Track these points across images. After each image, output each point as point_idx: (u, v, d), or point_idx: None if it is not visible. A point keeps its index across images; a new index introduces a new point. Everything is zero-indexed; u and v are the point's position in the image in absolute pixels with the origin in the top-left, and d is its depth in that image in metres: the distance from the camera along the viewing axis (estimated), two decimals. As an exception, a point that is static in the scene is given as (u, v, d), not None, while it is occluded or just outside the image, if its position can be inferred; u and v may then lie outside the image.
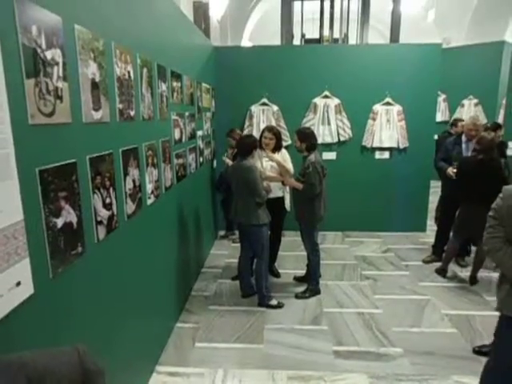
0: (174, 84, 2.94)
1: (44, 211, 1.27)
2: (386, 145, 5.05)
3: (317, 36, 7.72)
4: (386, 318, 3.10)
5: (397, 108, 4.94)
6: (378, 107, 4.96)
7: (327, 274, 3.88)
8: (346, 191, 5.10)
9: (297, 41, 8.28)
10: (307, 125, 4.93)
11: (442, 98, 7.61)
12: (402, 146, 5.04)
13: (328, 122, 5.00)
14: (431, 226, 5.09)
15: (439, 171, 4.20)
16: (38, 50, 1.24)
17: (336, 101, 4.95)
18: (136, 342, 2.16)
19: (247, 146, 3.11)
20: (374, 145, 5.06)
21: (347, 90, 4.91)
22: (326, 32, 7.53)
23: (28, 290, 1.19)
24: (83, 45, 1.53)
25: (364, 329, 2.95)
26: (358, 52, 4.95)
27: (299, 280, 3.72)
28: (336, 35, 7.64)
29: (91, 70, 1.61)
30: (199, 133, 3.89)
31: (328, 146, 5.07)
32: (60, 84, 1.36)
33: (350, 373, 2.46)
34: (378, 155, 5.13)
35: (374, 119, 5.00)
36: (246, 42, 10.07)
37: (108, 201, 1.76)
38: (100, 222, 1.68)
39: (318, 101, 4.96)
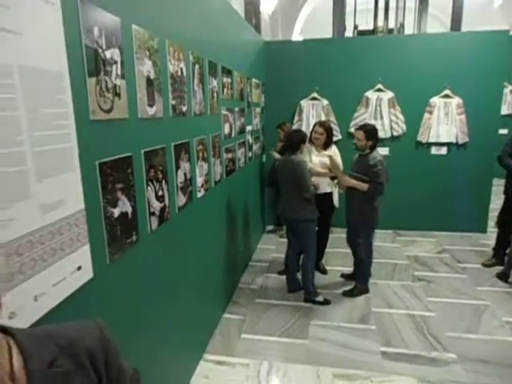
0: (225, 80, 3.00)
1: (103, 201, 1.36)
2: (443, 140, 4.78)
3: (370, 27, 7.47)
4: (439, 321, 2.96)
5: (456, 101, 4.65)
6: (435, 100, 4.70)
7: (377, 272, 3.76)
8: (399, 188, 4.90)
9: (349, 33, 8.06)
10: (358, 119, 4.80)
11: (508, 89, 7.04)
12: (461, 142, 4.74)
13: (381, 116, 4.83)
14: (493, 227, 4.76)
15: (506, 168, 3.80)
16: (99, 50, 1.32)
17: (390, 94, 4.76)
18: (186, 329, 2.25)
19: (295, 141, 3.09)
20: (430, 140, 4.81)
21: (402, 82, 4.71)
22: (381, 22, 7.25)
23: (88, 274, 1.28)
24: (139, 44, 1.61)
25: (414, 331, 2.83)
26: (414, 42, 4.71)
27: (347, 278, 3.66)
28: (391, 25, 7.34)
29: (146, 68, 1.68)
30: (248, 128, 3.93)
31: (380, 142, 4.86)
32: (118, 82, 1.44)
33: (399, 375, 2.38)
34: (434, 151, 4.87)
35: (430, 113, 4.74)
36: (296, 36, 9.97)
37: (160, 193, 1.84)
38: (153, 213, 1.76)
39: (371, 94, 4.80)
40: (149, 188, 1.72)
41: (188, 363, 2.39)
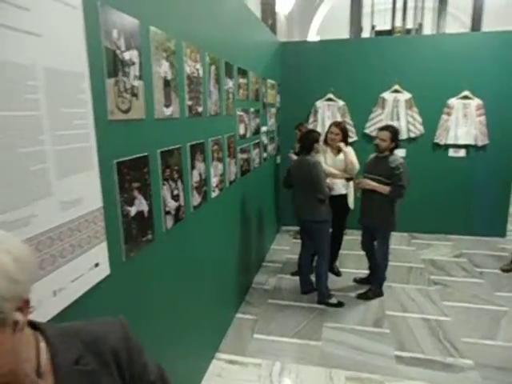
0: (240, 80, 3.01)
1: (120, 200, 1.38)
2: (461, 142, 4.69)
3: (388, 27, 7.39)
4: (455, 326, 2.90)
5: (476, 102, 4.56)
6: (453, 101, 4.62)
7: (391, 275, 3.72)
8: (415, 190, 4.81)
9: (366, 33, 7.99)
10: (375, 120, 4.76)
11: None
12: (480, 144, 4.65)
13: (397, 117, 4.77)
14: (512, 231, 4.65)
15: None
16: (118, 52, 1.35)
17: (407, 95, 4.70)
18: (199, 328, 2.27)
19: (309, 141, 3.09)
20: (448, 142, 4.73)
21: (419, 83, 4.64)
22: (399, 23, 7.17)
23: (105, 271, 1.31)
24: (157, 45, 1.64)
25: (430, 336, 2.79)
26: (433, 43, 4.65)
27: (360, 282, 3.61)
28: (409, 26, 7.24)
29: (163, 69, 1.71)
30: (263, 128, 3.94)
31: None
32: (136, 83, 1.47)
33: (413, 380, 2.35)
34: (452, 153, 4.79)
35: (448, 114, 4.66)
36: (312, 37, 9.93)
37: (176, 192, 1.87)
38: (168, 212, 1.79)
39: (387, 95, 4.75)
40: (164, 187, 1.75)
41: (201, 362, 2.41)
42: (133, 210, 1.47)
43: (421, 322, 2.98)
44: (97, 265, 1.26)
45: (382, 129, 3.13)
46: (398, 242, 4.71)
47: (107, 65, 1.28)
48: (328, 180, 3.20)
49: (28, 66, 0.95)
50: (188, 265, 2.08)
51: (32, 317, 1.00)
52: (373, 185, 3.13)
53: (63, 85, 1.08)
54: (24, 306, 0.59)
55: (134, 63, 1.45)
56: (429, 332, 2.84)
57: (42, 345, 0.65)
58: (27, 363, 0.62)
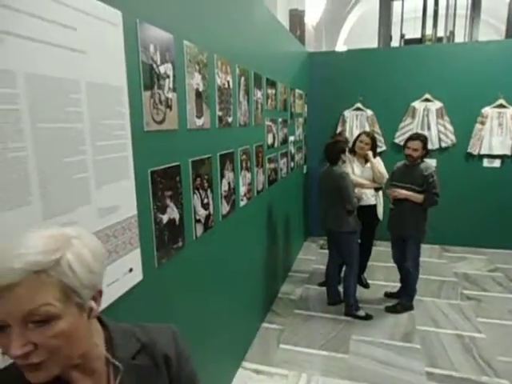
0: (269, 91, 3.05)
1: (153, 208, 1.43)
2: (496, 152, 4.54)
3: (418, 36, 7.27)
4: (490, 344, 2.78)
5: (511, 111, 4.41)
6: (488, 110, 4.48)
7: (422, 289, 3.61)
8: (447, 201, 4.68)
9: (395, 42, 7.90)
10: (404, 130, 4.69)
11: None
12: (516, 154, 4.48)
13: (428, 126, 4.67)
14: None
15: None
16: (154, 66, 1.41)
17: (438, 104, 4.61)
18: (225, 336, 2.29)
19: (335, 152, 3.06)
20: (482, 152, 4.58)
21: (451, 92, 4.54)
22: (429, 31, 7.05)
23: (138, 277, 1.35)
24: (190, 58, 1.69)
25: (463, 353, 2.68)
26: (465, 50, 4.54)
27: (390, 296, 3.51)
28: (440, 33, 7.11)
29: (196, 81, 1.76)
30: (291, 138, 3.95)
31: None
32: (170, 95, 1.52)
33: (445, 398, 2.27)
34: (486, 163, 4.63)
35: (482, 123, 4.53)
36: (340, 47, 9.92)
37: (206, 201, 1.91)
38: (198, 221, 1.82)
39: (418, 104, 4.67)
40: (195, 196, 1.79)
41: (227, 370, 2.41)
42: (165, 218, 1.52)
43: (454, 338, 2.87)
44: (131, 270, 1.30)
45: (412, 138, 3.05)
46: (428, 254, 4.57)
47: (144, 78, 1.34)
48: (356, 190, 3.16)
49: (73, 80, 1.01)
50: (216, 273, 2.11)
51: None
52: (406, 194, 3.07)
53: (104, 98, 1.14)
54: (97, 295, 0.66)
55: (168, 76, 1.51)
56: (462, 349, 2.73)
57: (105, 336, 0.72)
58: (99, 348, 0.69)
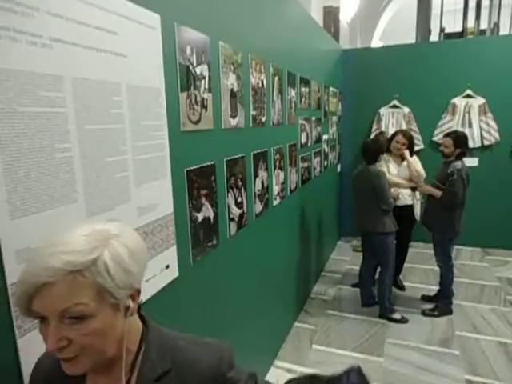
0: (303, 89, 3.03)
1: (189, 206, 1.46)
2: (545, 150, 4.28)
3: (459, 29, 6.97)
4: (536, 353, 2.63)
5: (562, 106, 4.15)
6: (535, 106, 4.23)
7: (461, 293, 3.48)
8: (489, 202, 4.49)
9: (435, 36, 7.62)
10: (444, 127, 4.51)
11: None
12: None
13: (469, 124, 4.47)
14: None
15: None
16: (190, 67, 1.44)
17: (480, 100, 4.40)
18: (258, 334, 2.30)
19: (373, 152, 2.99)
20: (529, 149, 4.34)
21: (495, 87, 4.32)
22: (471, 23, 6.73)
23: (174, 273, 1.38)
24: (225, 59, 1.71)
25: (507, 362, 2.55)
26: (511, 43, 4.31)
27: (427, 299, 3.39)
28: (483, 26, 6.77)
29: (230, 81, 1.78)
30: (325, 137, 3.91)
31: (468, 151, 4.53)
32: (206, 95, 1.55)
33: (486, 408, 2.17)
34: (533, 162, 4.38)
35: (529, 120, 4.28)
36: (376, 43, 9.68)
37: (239, 200, 1.92)
38: (232, 219, 1.85)
39: (458, 101, 4.48)
40: (229, 195, 1.81)
41: (259, 367, 2.43)
42: (200, 216, 1.55)
43: (496, 345, 2.74)
44: (167, 267, 1.34)
45: (445, 135, 3.07)
46: (469, 257, 4.39)
47: (181, 80, 1.37)
48: (393, 190, 3.09)
49: (115, 83, 1.05)
50: (249, 271, 2.13)
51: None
52: (428, 189, 3.10)
53: (143, 99, 1.17)
54: (136, 294, 0.66)
55: (204, 77, 1.54)
56: (505, 357, 2.60)
57: (143, 344, 0.70)
58: (130, 345, 0.68)
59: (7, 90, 0.77)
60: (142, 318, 0.74)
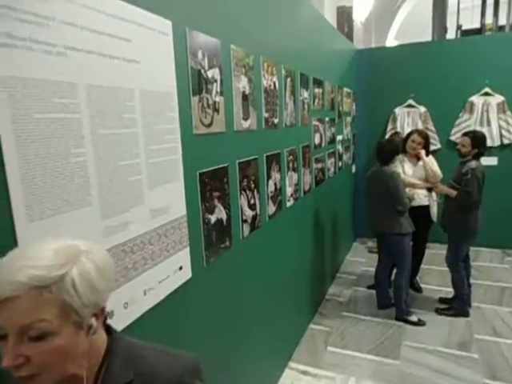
0: (316, 90, 3.02)
1: (201, 208, 1.48)
2: None
3: (477, 25, 6.83)
4: (559, 357, 2.56)
5: None
6: (557, 103, 4.11)
7: (480, 295, 3.40)
8: (509, 202, 4.38)
9: (451, 34, 7.48)
10: (461, 126, 4.42)
11: None
12: None
13: (488, 122, 4.38)
14: None
15: None
16: (202, 71, 1.45)
17: (499, 98, 4.30)
18: (272, 335, 2.30)
19: (388, 152, 2.96)
20: (551, 148, 4.21)
21: (515, 84, 4.22)
22: (489, 19, 6.59)
23: (187, 275, 1.40)
24: (237, 62, 1.73)
25: (528, 366, 2.49)
26: (531, 39, 4.20)
27: (445, 302, 3.31)
28: (502, 22, 6.62)
29: (242, 84, 1.79)
30: (339, 137, 3.89)
31: (487, 150, 4.42)
32: (217, 98, 1.57)
33: (507, 413, 2.12)
34: (555, 160, 4.26)
35: (550, 117, 4.16)
36: (391, 42, 9.57)
37: (252, 202, 1.93)
38: (245, 221, 1.86)
39: (476, 99, 4.39)
40: (242, 197, 1.82)
41: (274, 369, 2.43)
42: (213, 218, 1.56)
43: (517, 349, 2.67)
44: (181, 268, 1.36)
45: (463, 134, 3.04)
46: (488, 258, 4.29)
47: (193, 84, 1.39)
48: (408, 190, 3.04)
49: (128, 89, 1.08)
50: (263, 272, 2.13)
51: (126, 312, 1.11)
52: (443, 189, 3.08)
53: (155, 104, 1.20)
54: (99, 313, 0.65)
55: (216, 80, 1.55)
56: (527, 361, 2.54)
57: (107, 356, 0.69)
58: (94, 359, 0.66)
59: (24, 97, 0.80)
60: (107, 328, 0.72)
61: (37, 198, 0.83)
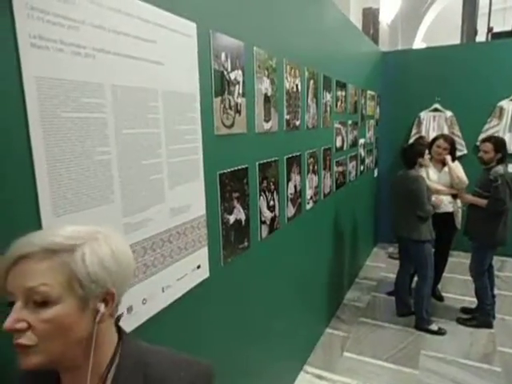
0: (339, 93, 3.00)
1: (221, 208, 1.49)
2: None
3: (509, 28, 6.62)
4: None
5: None
6: None
7: (505, 307, 3.29)
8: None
9: (481, 37, 7.28)
10: (489, 132, 4.29)
11: None
12: None
13: (518, 128, 4.23)
14: None
15: None
16: (225, 73, 1.47)
17: (530, 103, 4.15)
18: (288, 338, 2.30)
19: (411, 155, 2.91)
20: None
21: (548, 89, 4.06)
22: (523, 22, 6.37)
23: (205, 274, 1.42)
24: (260, 64, 1.74)
25: (554, 382, 2.39)
26: None
27: (468, 312, 3.23)
28: (536, 24, 6.39)
29: (264, 86, 1.80)
30: (361, 141, 3.84)
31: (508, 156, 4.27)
32: (239, 100, 1.58)
33: (530, 430, 2.04)
34: None
35: None
36: (418, 44, 9.39)
37: (272, 203, 1.94)
38: (264, 222, 1.86)
39: (506, 104, 4.25)
40: (261, 198, 1.83)
41: (289, 372, 2.42)
42: (232, 219, 1.58)
43: (543, 364, 2.57)
44: (199, 267, 1.37)
45: (483, 141, 2.95)
46: (515, 269, 4.14)
47: (215, 85, 1.41)
48: (434, 198, 2.97)
49: (152, 90, 1.10)
50: (281, 274, 2.13)
51: (145, 308, 1.14)
52: (470, 198, 2.97)
53: (178, 105, 1.22)
54: (109, 298, 0.64)
55: (238, 82, 1.57)
56: (553, 377, 2.44)
57: (116, 358, 0.68)
58: (101, 356, 0.66)
59: (53, 97, 0.83)
60: (119, 330, 0.71)
61: (62, 193, 0.86)
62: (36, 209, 0.82)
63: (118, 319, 0.72)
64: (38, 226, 0.82)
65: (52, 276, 0.58)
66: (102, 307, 0.62)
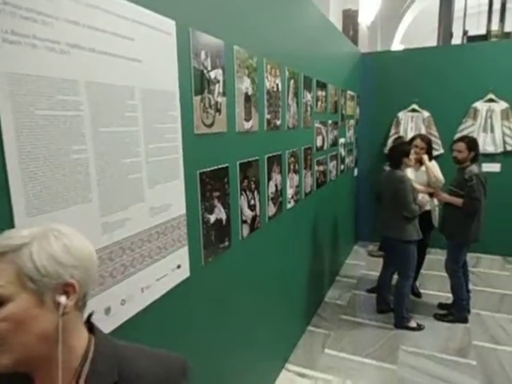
0: (319, 93, 3.03)
1: (201, 208, 1.49)
2: None
3: (483, 31, 6.82)
4: (558, 366, 2.55)
5: None
6: (561, 110, 4.10)
7: (479, 302, 3.39)
8: (511, 208, 4.37)
9: (457, 39, 7.48)
10: (464, 132, 4.41)
11: None
12: None
13: (491, 128, 4.37)
14: None
15: None
16: (205, 71, 1.46)
17: (503, 105, 4.29)
18: (269, 336, 2.30)
19: (397, 155, 2.94)
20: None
21: (519, 91, 4.21)
22: (496, 26, 6.58)
23: (185, 273, 1.41)
24: (240, 63, 1.73)
25: (526, 373, 2.48)
26: (536, 46, 4.19)
27: (444, 308, 3.31)
28: (508, 28, 6.61)
29: (245, 85, 1.80)
30: (341, 140, 3.89)
31: (489, 157, 4.42)
32: (219, 99, 1.58)
33: (503, 420, 2.11)
34: (558, 168, 4.24)
35: (554, 125, 4.15)
36: (397, 46, 9.56)
37: (252, 202, 1.94)
38: (245, 221, 1.86)
39: (480, 105, 4.38)
40: (242, 197, 1.83)
41: (271, 371, 2.43)
42: (212, 218, 1.57)
43: (515, 356, 2.66)
44: (179, 266, 1.36)
45: (456, 141, 3.03)
46: (488, 265, 4.27)
47: (195, 84, 1.40)
48: (420, 197, 3.00)
49: (129, 87, 1.08)
50: (261, 273, 2.14)
51: (123, 308, 1.12)
52: (446, 197, 3.03)
53: (157, 103, 1.20)
54: (69, 289, 0.63)
55: (218, 81, 1.56)
56: (525, 369, 2.53)
57: (90, 354, 0.68)
58: (71, 352, 0.65)
59: (26, 93, 0.81)
60: (92, 327, 0.71)
61: (37, 192, 0.84)
62: (9, 209, 0.80)
63: (89, 316, 0.72)
64: (10, 226, 0.79)
65: (1, 277, 0.59)
66: (62, 299, 0.62)
